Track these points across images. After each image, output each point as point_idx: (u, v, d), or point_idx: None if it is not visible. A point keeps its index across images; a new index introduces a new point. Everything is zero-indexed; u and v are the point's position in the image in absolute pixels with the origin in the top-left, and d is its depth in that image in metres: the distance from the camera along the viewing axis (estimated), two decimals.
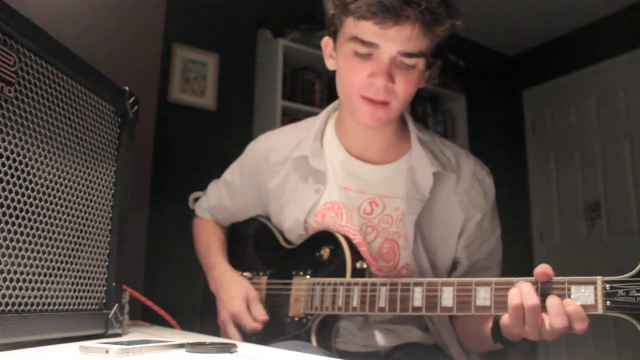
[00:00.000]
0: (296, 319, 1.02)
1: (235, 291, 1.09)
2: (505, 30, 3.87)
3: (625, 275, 0.69)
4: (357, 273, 0.98)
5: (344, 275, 0.97)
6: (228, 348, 0.65)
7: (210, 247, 1.23)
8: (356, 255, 1.00)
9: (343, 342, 1.05)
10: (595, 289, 0.71)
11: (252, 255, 1.21)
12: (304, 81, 2.91)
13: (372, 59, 0.92)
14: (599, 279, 0.71)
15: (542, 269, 0.75)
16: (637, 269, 0.69)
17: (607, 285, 0.70)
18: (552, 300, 0.73)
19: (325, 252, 1.03)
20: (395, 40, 0.89)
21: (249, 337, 1.06)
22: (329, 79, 2.83)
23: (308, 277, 1.03)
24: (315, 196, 1.06)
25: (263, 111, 2.83)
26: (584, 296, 0.71)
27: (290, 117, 2.66)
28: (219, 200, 1.26)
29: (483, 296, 0.79)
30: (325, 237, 1.04)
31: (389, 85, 0.92)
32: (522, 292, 0.75)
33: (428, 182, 1.00)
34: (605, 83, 3.65)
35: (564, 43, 3.92)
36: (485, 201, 1.06)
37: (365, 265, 0.99)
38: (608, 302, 0.69)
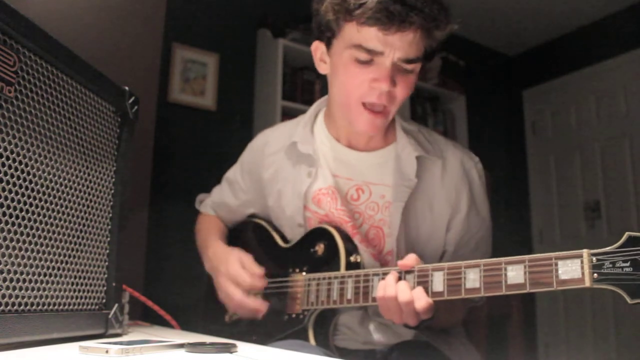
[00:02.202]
0: (293, 315, 1.03)
1: (229, 258, 1.11)
2: (505, 30, 3.87)
3: (611, 246, 0.68)
4: (352, 266, 0.99)
5: (339, 270, 0.98)
6: (228, 348, 0.65)
7: (209, 234, 1.26)
8: (350, 248, 1.01)
9: (342, 340, 1.05)
10: (582, 262, 0.70)
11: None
12: (304, 81, 2.90)
13: (374, 65, 0.92)
14: (585, 251, 0.70)
15: (403, 260, 0.86)
16: (622, 239, 0.68)
17: (594, 258, 0.69)
18: (400, 286, 0.83)
19: (320, 248, 1.04)
20: (397, 46, 0.90)
21: (250, 293, 1.07)
22: None
23: (304, 273, 1.04)
24: (308, 179, 1.08)
25: (263, 111, 2.83)
26: (571, 270, 0.70)
27: (290, 117, 2.65)
28: (222, 198, 1.29)
29: (472, 278, 0.79)
30: (320, 233, 1.05)
31: (391, 89, 0.93)
32: (385, 284, 0.85)
33: (412, 167, 1.01)
34: (605, 83, 3.65)
35: (564, 43, 3.92)
36: (472, 193, 1.06)
37: (359, 259, 1.00)
38: (595, 274, 0.68)
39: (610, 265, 0.68)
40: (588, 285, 0.69)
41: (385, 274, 0.90)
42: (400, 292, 0.83)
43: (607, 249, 0.69)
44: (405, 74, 0.94)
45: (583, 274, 0.69)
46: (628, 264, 0.66)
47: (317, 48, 1.04)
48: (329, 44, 0.99)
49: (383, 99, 0.94)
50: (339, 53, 0.96)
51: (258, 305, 1.05)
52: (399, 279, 0.86)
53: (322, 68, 1.05)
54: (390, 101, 0.95)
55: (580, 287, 0.70)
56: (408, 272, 0.87)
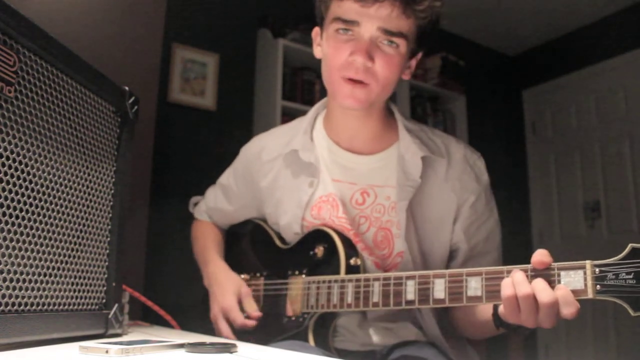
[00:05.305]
0: (293, 318, 1.03)
1: (228, 286, 1.10)
2: (505, 30, 3.87)
3: (614, 258, 0.68)
4: (352, 270, 0.98)
5: (338, 273, 0.98)
6: (228, 348, 0.65)
7: (207, 245, 1.24)
8: (350, 251, 1.01)
9: (342, 341, 1.05)
10: (585, 273, 0.70)
11: (249, 257, 1.22)
12: (304, 81, 2.91)
13: (353, 39, 0.94)
14: (588, 263, 0.70)
15: (539, 257, 0.73)
16: (625, 251, 0.68)
17: (597, 269, 0.69)
18: (538, 284, 0.71)
19: (320, 251, 1.03)
20: (375, 18, 0.91)
21: (240, 332, 1.06)
22: None
23: (303, 276, 1.04)
24: (310, 189, 1.07)
25: (263, 111, 2.83)
26: (573, 281, 0.70)
27: (290, 117, 2.64)
28: (216, 203, 1.27)
29: (474, 286, 0.79)
30: (320, 236, 1.04)
31: (367, 64, 0.93)
32: (514, 281, 0.74)
33: (417, 168, 1.01)
34: (605, 83, 3.65)
35: (564, 43, 3.92)
36: (478, 184, 1.06)
37: (359, 262, 1.00)
38: (598, 286, 0.68)
39: (613, 277, 0.67)
40: (591, 297, 0.69)
41: (386, 279, 0.89)
42: (541, 291, 0.71)
43: (610, 260, 0.68)
44: (385, 51, 0.94)
45: (586, 285, 0.69)
46: (631, 276, 0.66)
47: (317, 33, 1.06)
48: (322, 28, 1.03)
49: (360, 74, 0.94)
50: (326, 30, 0.99)
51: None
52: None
53: (317, 51, 1.07)
54: (369, 77, 0.95)
55: (582, 298, 0.70)
56: (410, 277, 0.86)
